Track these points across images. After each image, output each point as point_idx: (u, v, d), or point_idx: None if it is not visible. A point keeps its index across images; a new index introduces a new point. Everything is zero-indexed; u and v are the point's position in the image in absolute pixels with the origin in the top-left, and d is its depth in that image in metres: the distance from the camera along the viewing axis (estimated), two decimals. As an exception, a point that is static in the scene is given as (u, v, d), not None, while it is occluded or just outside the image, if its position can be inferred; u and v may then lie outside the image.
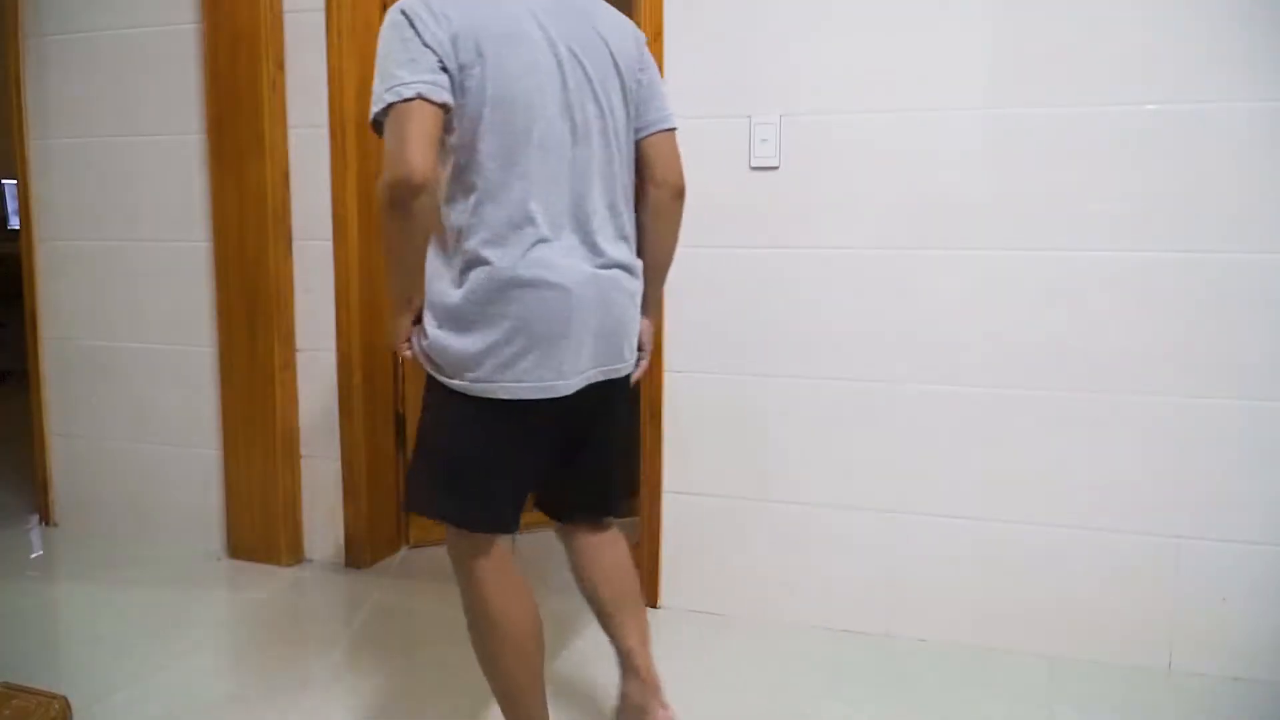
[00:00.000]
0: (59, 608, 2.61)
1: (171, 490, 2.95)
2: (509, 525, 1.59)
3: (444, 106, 1.40)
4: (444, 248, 1.51)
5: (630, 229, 1.62)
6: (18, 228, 3.18)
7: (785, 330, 2.34)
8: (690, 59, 2.34)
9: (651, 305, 1.73)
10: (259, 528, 2.81)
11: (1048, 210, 2.14)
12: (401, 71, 1.38)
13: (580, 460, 1.68)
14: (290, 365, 2.78)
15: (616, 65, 1.55)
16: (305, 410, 2.80)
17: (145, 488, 2.99)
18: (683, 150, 2.33)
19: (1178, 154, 2.06)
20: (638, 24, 2.41)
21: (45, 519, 3.15)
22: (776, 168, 2.30)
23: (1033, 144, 2.14)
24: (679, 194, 1.68)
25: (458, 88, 1.42)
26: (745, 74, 2.30)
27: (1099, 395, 2.15)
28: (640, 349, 1.70)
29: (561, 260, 1.49)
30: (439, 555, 2.94)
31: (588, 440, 1.66)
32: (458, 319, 1.48)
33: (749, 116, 2.31)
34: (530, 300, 1.46)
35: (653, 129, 1.64)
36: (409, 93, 1.36)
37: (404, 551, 2.93)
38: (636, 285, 1.63)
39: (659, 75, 1.67)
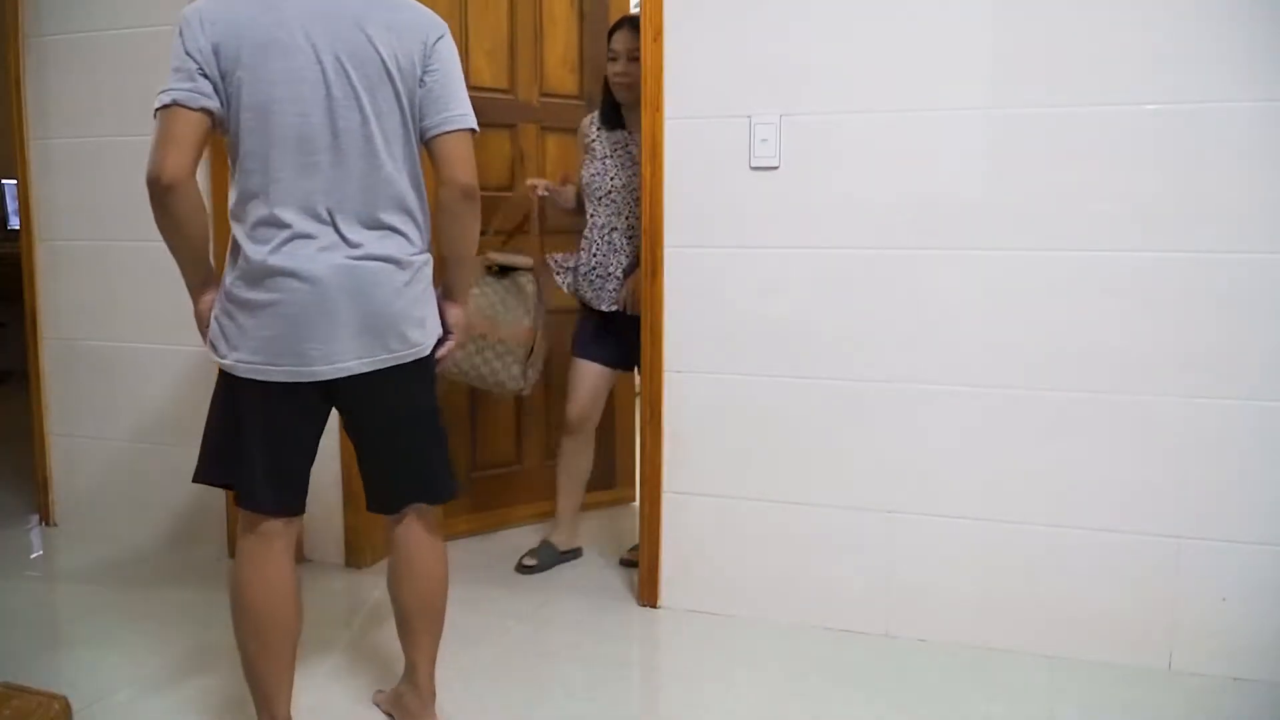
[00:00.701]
0: (59, 608, 2.61)
1: (172, 490, 2.94)
2: (262, 504, 1.67)
3: (204, 111, 1.53)
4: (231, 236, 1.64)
5: (406, 224, 1.66)
6: (18, 228, 3.18)
7: (785, 330, 2.34)
8: (690, 59, 2.34)
9: (456, 292, 1.80)
10: (259, 528, 2.81)
11: (1048, 210, 2.14)
12: (169, 78, 1.53)
13: (376, 450, 1.76)
14: (290, 365, 2.77)
15: (388, 71, 1.59)
16: (305, 410, 2.80)
17: (145, 488, 2.99)
18: (683, 150, 2.36)
19: (1178, 154, 2.06)
20: (639, 25, 2.43)
21: (45, 519, 3.15)
22: (776, 168, 2.30)
23: (1033, 144, 2.14)
24: (466, 193, 1.69)
25: (223, 94, 1.55)
26: (745, 74, 2.30)
27: (1099, 395, 2.15)
28: (447, 333, 1.77)
29: (313, 253, 1.57)
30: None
31: (376, 429, 1.73)
32: (225, 302, 1.62)
33: (749, 116, 2.31)
34: (281, 290, 1.57)
35: (437, 130, 1.66)
36: (167, 99, 1.52)
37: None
38: (405, 276, 1.65)
39: (455, 72, 1.68)
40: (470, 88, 1.74)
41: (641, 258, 2.44)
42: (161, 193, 1.51)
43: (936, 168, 2.20)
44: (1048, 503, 2.21)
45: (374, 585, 2.66)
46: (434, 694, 1.88)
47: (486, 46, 3.01)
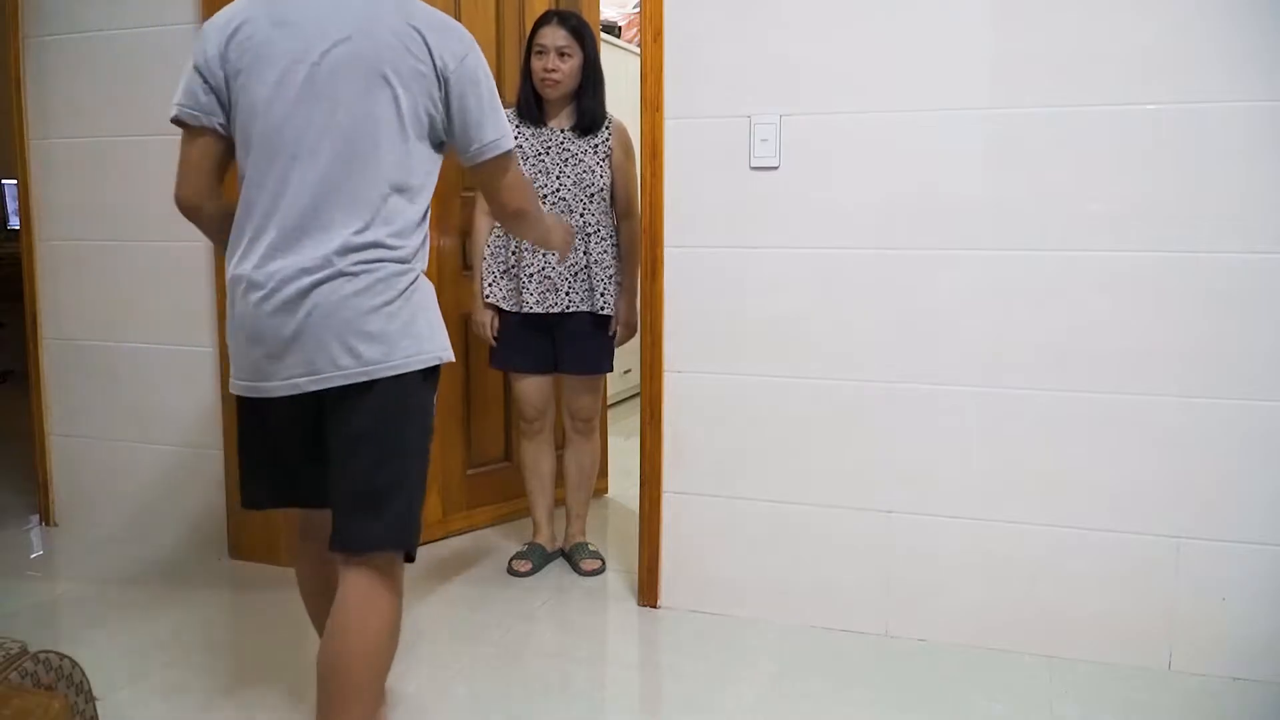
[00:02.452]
0: (59, 608, 2.61)
1: (172, 490, 2.94)
2: (256, 504, 1.68)
3: (206, 129, 1.55)
4: None
5: (378, 235, 1.51)
6: (18, 228, 3.18)
7: (785, 330, 2.34)
8: (690, 59, 2.33)
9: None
10: (260, 528, 2.81)
11: (1048, 210, 2.14)
12: (177, 87, 1.56)
13: (331, 477, 1.56)
14: (290, 365, 2.78)
15: (386, 79, 1.49)
16: (305, 410, 2.80)
17: (145, 488, 2.99)
18: (683, 150, 2.36)
19: (1178, 154, 2.06)
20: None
21: (45, 519, 3.14)
22: (776, 168, 2.30)
23: (1033, 144, 2.14)
24: (516, 215, 1.70)
25: (225, 104, 1.55)
26: (745, 74, 2.30)
27: (1099, 395, 2.15)
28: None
29: (265, 267, 1.50)
30: (439, 554, 2.95)
31: (329, 456, 1.56)
32: None
33: (749, 116, 2.31)
34: (235, 304, 1.55)
35: (472, 162, 1.61)
36: (172, 112, 1.56)
37: (404, 551, 2.93)
38: (355, 286, 1.49)
39: (482, 92, 1.57)
40: None
41: (643, 258, 2.44)
42: (186, 216, 1.61)
43: (936, 168, 2.20)
44: (1047, 503, 2.20)
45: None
46: None
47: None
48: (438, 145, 1.60)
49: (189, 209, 1.60)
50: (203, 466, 2.88)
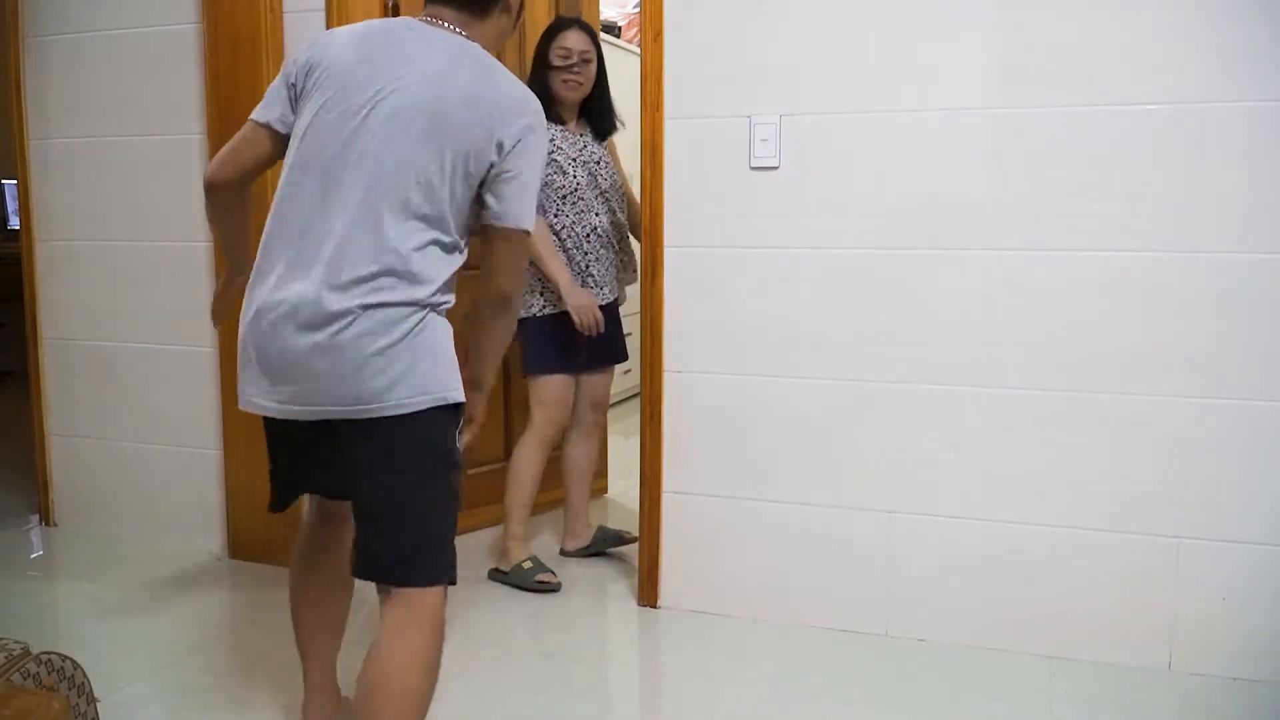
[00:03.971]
0: (59, 608, 2.61)
1: (171, 490, 2.94)
2: (276, 506, 1.78)
3: (266, 125, 1.62)
4: None
5: (395, 274, 1.50)
6: (18, 228, 3.18)
7: (785, 330, 2.34)
8: (690, 59, 2.33)
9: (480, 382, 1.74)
10: (259, 528, 2.81)
11: (1048, 210, 2.14)
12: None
13: (355, 511, 1.60)
14: (290, 365, 2.78)
15: (434, 128, 1.51)
16: (305, 410, 2.80)
17: (145, 488, 2.99)
18: (683, 150, 2.36)
19: (1179, 154, 2.06)
20: (640, 25, 2.42)
21: (45, 519, 3.14)
22: (776, 168, 2.30)
23: (1033, 144, 2.14)
24: (502, 298, 1.65)
25: (292, 114, 1.62)
26: (745, 74, 2.30)
27: (1099, 395, 2.15)
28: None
29: (281, 290, 1.51)
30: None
31: (352, 490, 1.59)
32: None
33: (749, 116, 2.31)
34: (246, 322, 1.56)
35: (496, 223, 1.60)
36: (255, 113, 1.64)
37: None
38: (362, 326, 1.48)
39: (530, 169, 1.58)
40: None
41: (643, 258, 2.44)
42: (204, 188, 1.67)
43: (937, 167, 2.20)
44: (1047, 503, 2.21)
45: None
46: None
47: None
48: (475, 198, 1.60)
49: (209, 185, 1.66)
50: (202, 466, 2.88)
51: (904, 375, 2.27)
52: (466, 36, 1.60)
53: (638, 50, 2.49)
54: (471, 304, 1.69)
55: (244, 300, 1.60)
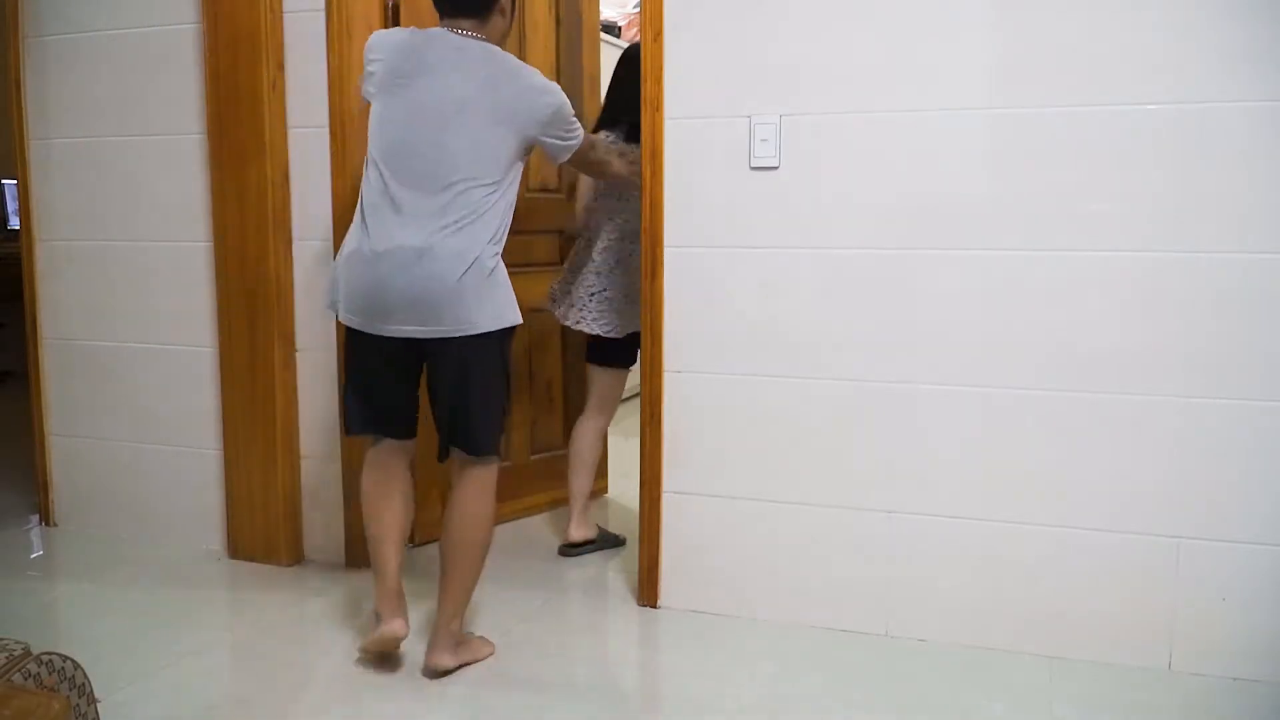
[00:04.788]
0: (59, 608, 2.62)
1: (171, 490, 2.95)
2: (351, 429, 2.21)
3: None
4: None
5: (461, 229, 1.99)
6: (18, 228, 3.18)
7: (785, 330, 2.34)
8: (690, 59, 2.33)
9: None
10: (259, 528, 2.81)
11: (1048, 210, 2.14)
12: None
13: (436, 402, 2.12)
14: (290, 365, 2.78)
15: (485, 110, 2.01)
16: (305, 410, 2.80)
17: (145, 488, 2.99)
18: (683, 150, 2.37)
19: (1179, 154, 2.06)
20: (640, 25, 2.43)
21: (45, 519, 3.15)
22: (776, 168, 2.30)
23: (1033, 144, 2.14)
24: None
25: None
26: (745, 74, 2.30)
27: (1099, 395, 2.15)
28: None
29: (376, 237, 2.00)
30: (439, 554, 2.93)
31: (433, 386, 2.11)
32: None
33: (749, 116, 2.31)
34: (354, 263, 2.03)
35: (564, 158, 2.23)
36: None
37: (407, 550, 2.93)
38: (452, 266, 1.97)
39: (565, 124, 2.14)
40: None
41: (643, 258, 2.44)
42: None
43: (936, 167, 2.20)
44: (1048, 503, 2.21)
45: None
46: (453, 637, 2.11)
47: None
48: (524, 152, 2.10)
49: None
50: (202, 466, 2.88)
51: (904, 375, 2.27)
52: (484, 39, 2.07)
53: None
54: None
55: (349, 244, 2.09)
